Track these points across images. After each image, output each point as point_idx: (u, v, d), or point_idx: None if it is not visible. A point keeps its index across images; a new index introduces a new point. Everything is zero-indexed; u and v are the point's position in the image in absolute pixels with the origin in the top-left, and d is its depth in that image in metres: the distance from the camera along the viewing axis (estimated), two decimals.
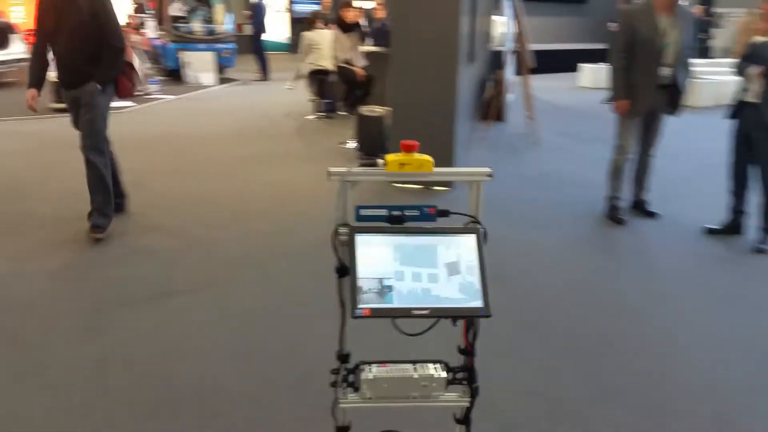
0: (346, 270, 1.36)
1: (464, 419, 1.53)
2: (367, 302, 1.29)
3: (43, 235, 4.44)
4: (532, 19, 10.14)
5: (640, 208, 4.93)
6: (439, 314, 1.31)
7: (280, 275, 3.87)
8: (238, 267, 3.97)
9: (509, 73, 9.36)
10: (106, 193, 4.34)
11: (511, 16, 8.25)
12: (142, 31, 10.79)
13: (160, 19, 12.28)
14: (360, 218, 1.40)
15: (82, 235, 4.34)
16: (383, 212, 1.40)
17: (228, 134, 7.76)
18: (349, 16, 6.89)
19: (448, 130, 5.44)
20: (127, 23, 11.84)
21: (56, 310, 3.40)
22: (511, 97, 9.16)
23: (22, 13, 16.35)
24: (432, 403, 1.46)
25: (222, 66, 12.48)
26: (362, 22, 7.01)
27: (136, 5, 15.13)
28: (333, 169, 1.43)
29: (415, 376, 1.42)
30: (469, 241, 1.37)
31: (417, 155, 1.44)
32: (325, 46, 8.77)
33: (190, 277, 3.83)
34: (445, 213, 1.43)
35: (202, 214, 4.99)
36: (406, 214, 1.40)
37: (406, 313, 1.29)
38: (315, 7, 16.56)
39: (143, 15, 12.75)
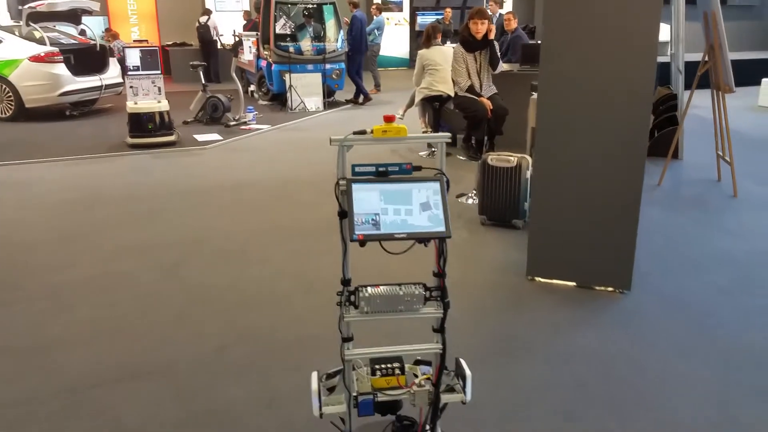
0: (345, 214, 1.77)
1: (440, 329, 1.90)
2: (361, 230, 1.72)
3: None
4: (692, 24, 7.81)
5: None
6: (413, 237, 1.76)
7: None
8: None
9: (678, 90, 7.13)
10: None
11: (676, 18, 6.13)
12: (240, 49, 9.68)
13: (266, 37, 11.16)
14: (355, 173, 1.78)
15: None
16: (372, 168, 1.78)
17: (321, 180, 6.23)
18: (479, 29, 5.11)
19: (633, 189, 3.50)
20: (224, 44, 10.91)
21: None
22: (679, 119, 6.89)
23: (137, 35, 16.27)
24: (414, 315, 1.86)
25: (330, 89, 11.13)
26: (493, 37, 5.19)
27: (246, 21, 14.31)
28: (334, 137, 1.78)
29: (401, 293, 1.83)
30: (436, 186, 1.82)
31: (395, 124, 1.82)
32: (445, 67, 7.03)
33: None
34: (418, 168, 1.84)
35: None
36: (389, 169, 1.80)
37: (389, 237, 1.73)
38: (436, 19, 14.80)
39: (248, 34, 11.74)
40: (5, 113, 9.63)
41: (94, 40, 10.58)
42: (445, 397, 1.93)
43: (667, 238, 4.60)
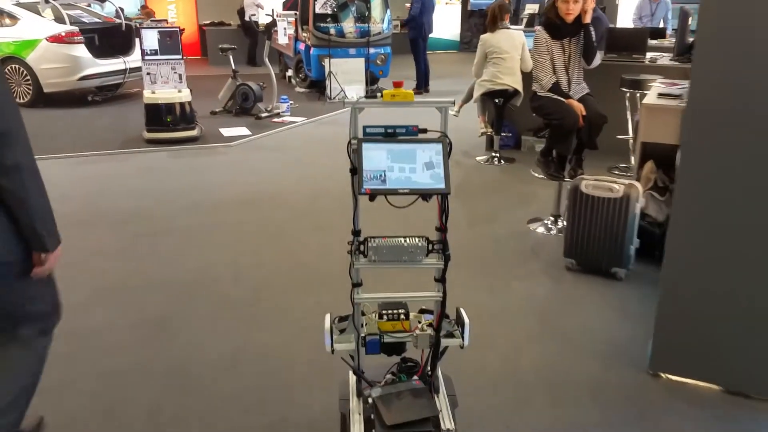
0: (356, 170, 1.86)
1: (441, 279, 2.00)
2: (369, 185, 1.82)
3: None
4: None
5: None
6: (416, 192, 1.83)
7: None
8: None
9: None
10: None
11: None
12: (274, 31, 8.59)
13: (305, 18, 10.07)
14: (366, 134, 1.87)
15: None
16: (381, 129, 1.88)
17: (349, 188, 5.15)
18: (570, 9, 3.90)
19: None
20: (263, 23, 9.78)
21: None
22: None
23: (174, 14, 15.41)
24: (417, 265, 1.96)
25: (373, 76, 9.97)
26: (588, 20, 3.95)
27: None
28: (347, 100, 1.90)
29: (405, 244, 1.92)
30: (439, 147, 1.86)
31: (403, 90, 1.94)
32: (513, 55, 5.83)
33: None
34: (424, 130, 1.91)
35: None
36: (397, 130, 1.88)
37: (394, 192, 1.82)
38: None
39: (286, 13, 10.66)
40: (23, 98, 8.85)
41: (120, 18, 9.68)
42: (445, 341, 2.06)
43: None
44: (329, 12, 9.67)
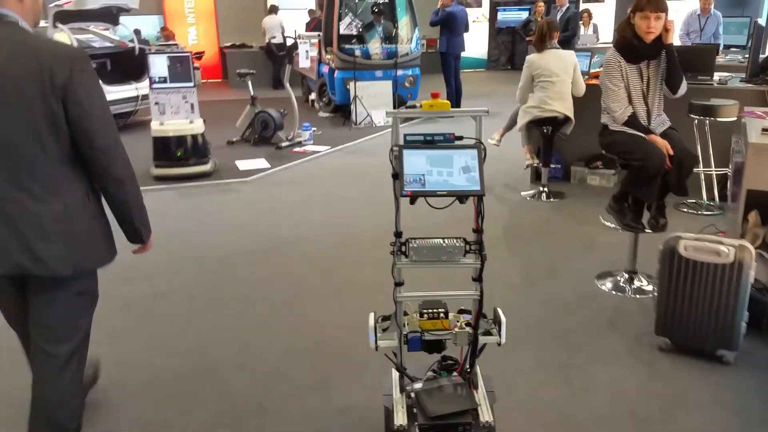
0: (397, 175, 1.96)
1: (478, 278, 2.07)
2: (410, 188, 1.92)
3: None
4: None
5: None
6: (453, 194, 1.94)
7: None
8: None
9: None
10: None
11: None
12: (295, 54, 7.98)
13: (328, 39, 9.48)
14: (406, 141, 1.98)
15: None
16: (420, 137, 1.99)
17: (387, 238, 4.45)
18: (651, 27, 3.16)
19: None
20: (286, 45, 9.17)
21: None
22: None
23: (194, 36, 15.02)
24: (455, 265, 2.04)
25: (402, 99, 9.32)
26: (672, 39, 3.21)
27: (310, 20, 12.69)
28: (389, 111, 2.11)
29: (444, 245, 2.00)
30: (474, 152, 1.97)
31: (440, 100, 2.06)
32: (563, 79, 5.11)
33: None
34: (460, 137, 2.02)
35: None
36: (435, 138, 2.00)
37: (433, 193, 1.92)
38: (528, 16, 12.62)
39: (309, 34, 10.10)
40: None
41: (133, 42, 9.19)
42: (482, 339, 2.11)
43: None
44: (354, 33, 9.07)
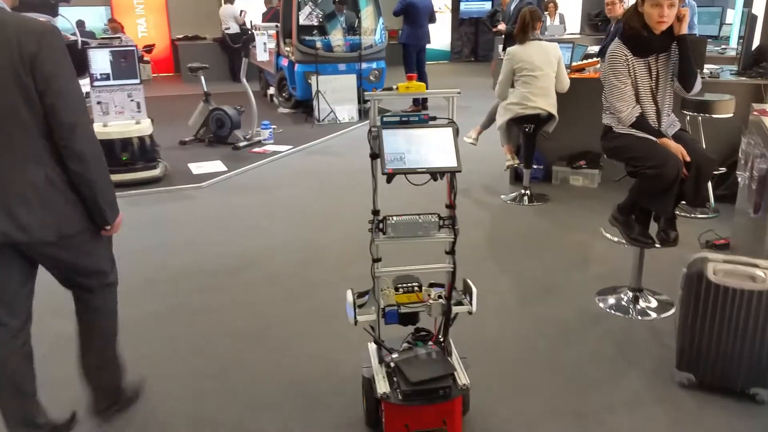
0: (376, 155, 2.05)
1: (451, 251, 2.20)
2: (390, 166, 1.99)
3: None
4: None
5: None
6: (431, 170, 2.03)
7: None
8: None
9: None
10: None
11: None
12: (253, 45, 7.36)
13: (287, 30, 8.89)
14: (384, 122, 2.06)
15: None
16: (397, 118, 2.08)
17: (358, 252, 3.96)
18: (664, 15, 2.74)
19: None
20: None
21: None
22: None
23: (144, 28, 14.20)
24: (430, 239, 2.15)
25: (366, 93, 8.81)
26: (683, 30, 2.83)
27: (268, 9, 11.99)
28: (368, 94, 2.17)
29: (420, 220, 2.13)
30: (449, 131, 2.07)
31: (415, 83, 2.15)
32: (547, 73, 4.72)
33: None
34: (434, 118, 2.12)
35: None
36: (411, 118, 2.08)
37: (412, 170, 2.01)
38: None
39: (266, 25, 9.49)
40: None
41: (75, 35, 8.44)
42: (455, 309, 2.25)
43: None
44: (315, 23, 8.51)
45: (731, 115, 4.37)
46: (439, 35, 16.74)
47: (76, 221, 2.05)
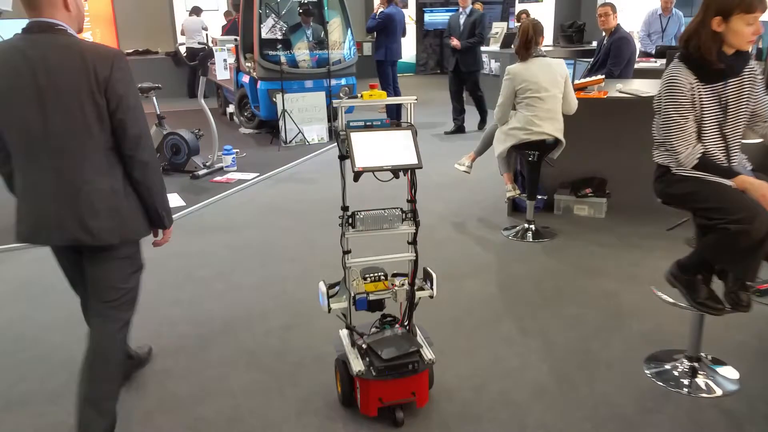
0: (344, 156, 2.30)
1: (413, 241, 2.44)
2: (359, 164, 2.20)
3: None
4: None
5: None
6: (398, 168, 2.26)
7: None
8: None
9: None
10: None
11: None
12: (211, 63, 6.66)
13: (247, 44, 8.17)
14: (350, 126, 2.28)
15: None
16: (362, 122, 2.30)
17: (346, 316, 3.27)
18: (745, 34, 2.20)
19: None
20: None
21: None
22: None
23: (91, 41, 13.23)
24: (395, 231, 2.39)
25: (337, 112, 8.16)
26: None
27: (227, 21, 11.23)
28: (335, 101, 2.38)
29: (385, 214, 2.36)
30: (409, 133, 2.32)
31: (377, 91, 2.41)
32: (554, 94, 4.17)
33: None
34: (398, 124, 2.36)
35: None
36: (374, 123, 2.31)
37: (379, 168, 2.22)
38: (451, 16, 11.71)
39: (226, 38, 8.75)
40: None
41: None
42: (418, 294, 2.50)
43: None
44: (279, 36, 7.83)
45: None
46: (405, 47, 16.25)
47: (137, 227, 2.24)
